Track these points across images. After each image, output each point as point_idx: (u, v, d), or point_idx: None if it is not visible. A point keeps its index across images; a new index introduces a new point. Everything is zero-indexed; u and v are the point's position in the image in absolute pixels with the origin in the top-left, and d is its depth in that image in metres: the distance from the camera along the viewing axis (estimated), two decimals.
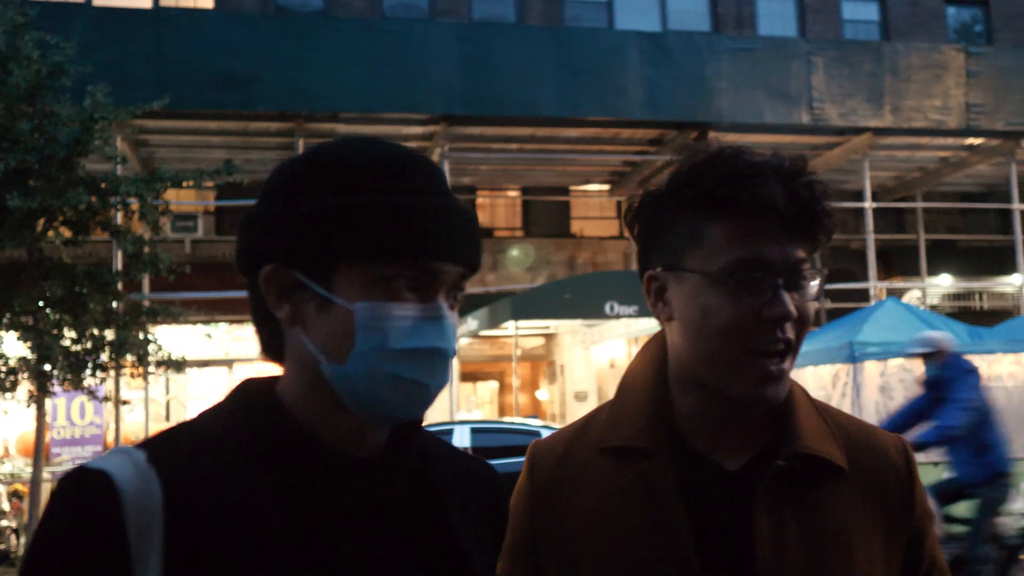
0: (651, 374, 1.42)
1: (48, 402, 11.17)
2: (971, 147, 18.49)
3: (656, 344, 1.46)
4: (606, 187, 19.95)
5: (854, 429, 1.40)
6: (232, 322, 17.11)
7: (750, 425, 1.35)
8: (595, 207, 21.24)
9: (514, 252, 14.10)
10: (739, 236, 1.27)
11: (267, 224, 1.16)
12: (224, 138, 16.31)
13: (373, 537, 1.17)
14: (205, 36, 14.79)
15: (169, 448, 1.13)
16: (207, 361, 17.34)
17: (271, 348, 1.22)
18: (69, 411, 14.48)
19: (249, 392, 1.21)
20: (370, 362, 1.13)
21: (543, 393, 20.93)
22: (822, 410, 1.41)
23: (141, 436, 14.61)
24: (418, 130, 16.43)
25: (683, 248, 1.31)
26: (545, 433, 10.73)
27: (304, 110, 15.24)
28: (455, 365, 16.28)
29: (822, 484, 1.32)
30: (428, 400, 1.17)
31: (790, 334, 1.28)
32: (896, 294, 19.04)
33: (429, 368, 1.16)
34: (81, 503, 1.05)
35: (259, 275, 1.17)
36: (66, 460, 14.22)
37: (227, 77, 14.59)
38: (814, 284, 1.31)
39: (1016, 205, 17.86)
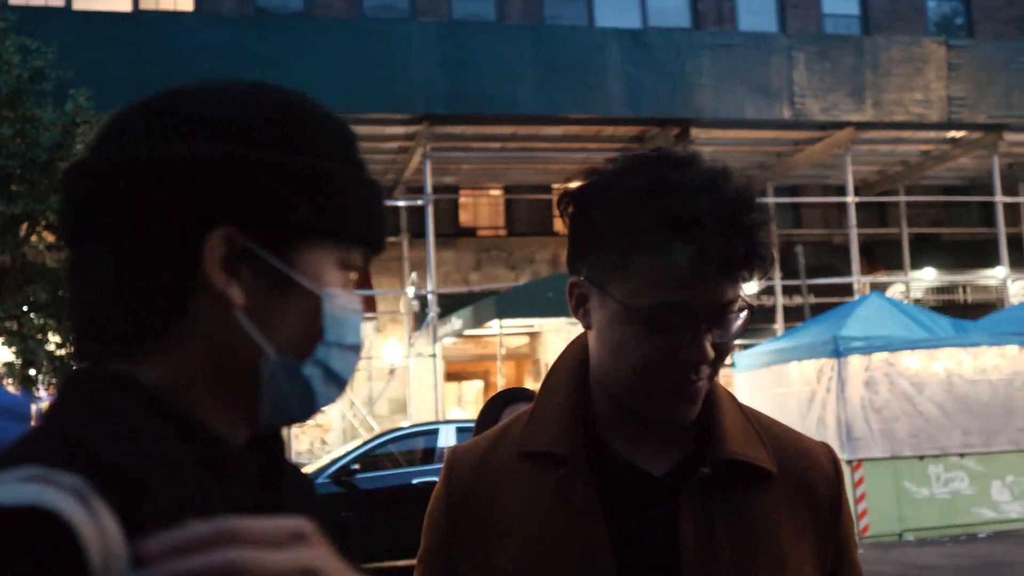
0: (572, 377, 1.38)
1: (33, 407, 11.08)
2: (953, 140, 18.54)
3: (578, 346, 1.41)
4: (588, 185, 19.90)
5: (782, 433, 1.38)
6: None
7: (674, 430, 1.32)
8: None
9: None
10: (666, 279, 1.21)
11: (209, 173, 0.92)
12: None
13: None
14: (185, 39, 14.73)
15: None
16: None
17: (136, 330, 0.93)
18: None
19: (113, 389, 0.92)
20: (326, 359, 0.98)
21: None
22: (748, 414, 1.38)
23: None
24: (399, 130, 16.39)
25: (610, 272, 1.25)
26: None
27: None
28: (440, 365, 16.25)
29: (749, 488, 1.30)
30: (334, 402, 1.04)
31: (704, 374, 1.25)
32: (880, 288, 19.07)
33: (354, 366, 1.04)
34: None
35: (197, 237, 0.92)
36: None
37: (208, 79, 14.46)
38: (739, 318, 1.27)
39: (998, 198, 17.93)
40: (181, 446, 0.90)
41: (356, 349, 1.02)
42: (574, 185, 1.35)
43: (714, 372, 1.28)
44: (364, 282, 18.56)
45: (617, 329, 1.25)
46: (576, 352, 1.40)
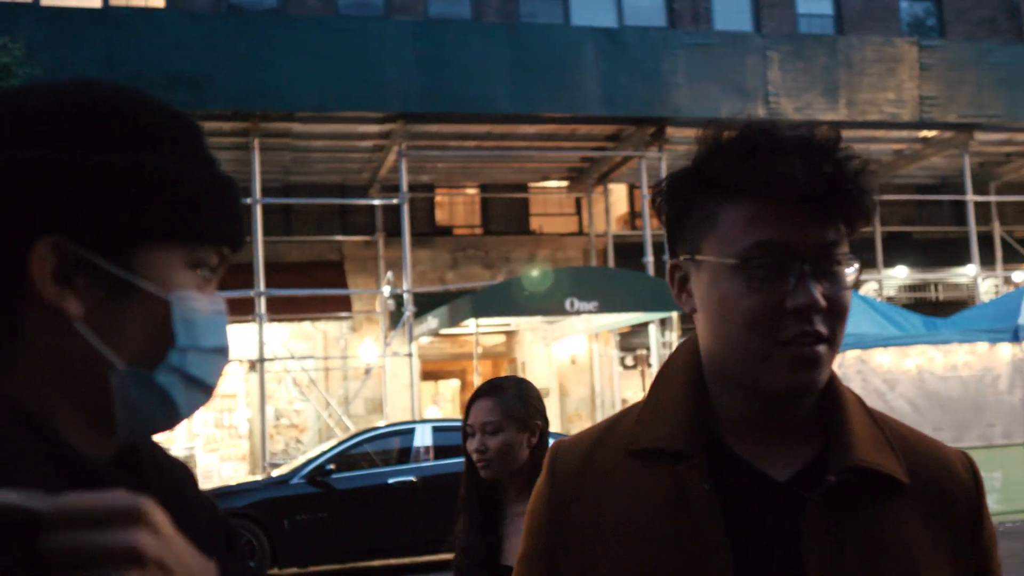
0: (687, 372, 1.29)
1: None
2: (925, 139, 18.69)
3: (690, 342, 1.33)
4: (564, 183, 19.94)
5: (916, 441, 1.28)
6: None
7: (798, 432, 1.23)
8: (554, 204, 21.23)
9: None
10: (757, 219, 1.16)
11: (28, 180, 0.87)
12: None
13: None
14: (156, 35, 14.59)
15: None
16: None
17: None
18: None
19: None
20: (181, 365, 0.93)
21: None
22: (879, 419, 1.28)
23: None
24: (374, 128, 16.32)
25: (701, 234, 1.21)
26: None
27: (259, 109, 15.09)
28: (416, 364, 16.21)
29: (879, 500, 1.20)
30: (203, 406, 0.99)
31: (820, 327, 1.16)
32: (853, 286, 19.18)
33: (220, 369, 0.98)
34: None
35: (22, 249, 0.87)
36: None
37: (179, 77, 14.39)
38: (850, 271, 1.19)
39: (970, 197, 18.08)
40: (36, 455, 0.86)
41: (220, 351, 0.97)
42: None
43: (832, 334, 1.17)
44: (339, 281, 18.51)
45: (716, 290, 1.19)
46: (688, 346, 1.33)
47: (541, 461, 2.57)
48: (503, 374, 20.90)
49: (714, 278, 1.19)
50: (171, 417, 0.95)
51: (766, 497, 1.20)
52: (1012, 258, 21.72)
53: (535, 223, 20.85)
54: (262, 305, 15.19)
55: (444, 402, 20.44)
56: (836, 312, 1.17)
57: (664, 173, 16.79)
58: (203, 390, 0.97)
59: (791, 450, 1.22)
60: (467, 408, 2.93)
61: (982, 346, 13.34)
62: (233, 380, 19.30)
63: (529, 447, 2.83)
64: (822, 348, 1.16)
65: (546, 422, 2.92)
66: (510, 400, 2.85)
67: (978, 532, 1.25)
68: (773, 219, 1.15)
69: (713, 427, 1.25)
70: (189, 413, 0.97)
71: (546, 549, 1.30)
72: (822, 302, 1.14)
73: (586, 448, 1.32)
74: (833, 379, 1.26)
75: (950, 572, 1.20)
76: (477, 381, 16.05)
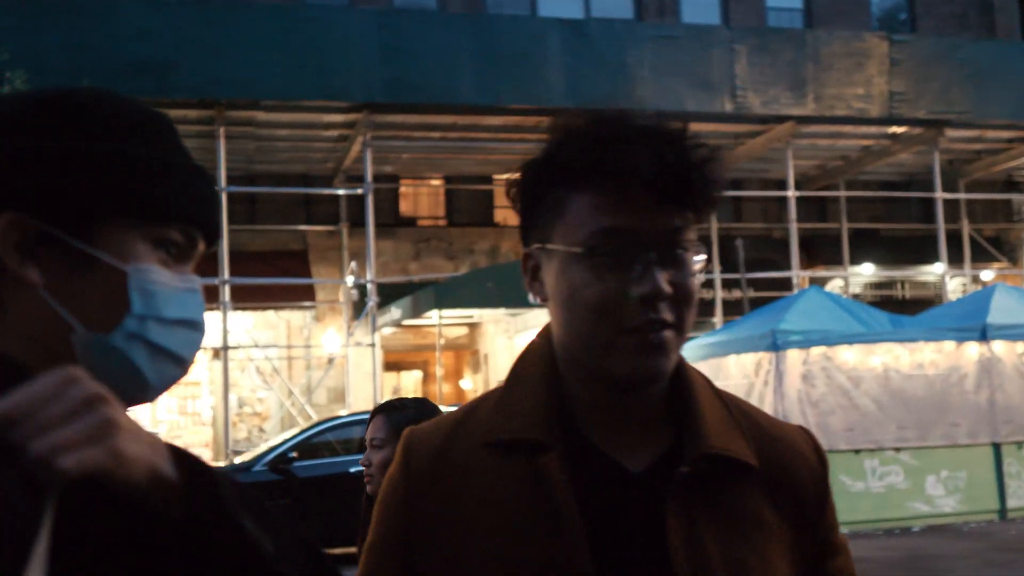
0: (542, 362, 1.29)
1: None
2: (893, 136, 18.69)
3: (546, 332, 1.33)
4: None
5: (763, 422, 1.32)
6: None
7: (650, 419, 1.25)
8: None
9: None
10: (602, 206, 1.17)
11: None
12: None
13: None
14: (121, 23, 14.50)
15: None
16: None
17: None
18: None
19: None
20: (140, 331, 1.01)
21: (467, 383, 20.85)
22: (728, 401, 1.30)
23: None
24: (339, 118, 16.21)
25: (550, 223, 1.21)
26: None
27: (223, 97, 14.97)
28: (379, 355, 16.10)
29: (732, 484, 1.23)
30: (178, 379, 1.08)
31: (666, 314, 1.17)
32: (819, 283, 19.21)
33: (191, 343, 1.06)
34: None
35: None
36: None
37: (144, 64, 14.29)
38: (698, 259, 1.20)
39: (938, 194, 18.10)
40: None
41: (188, 324, 1.05)
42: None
43: (680, 320, 1.18)
44: (303, 270, 18.38)
45: (564, 279, 1.20)
46: (544, 337, 1.32)
47: None
48: (465, 366, 20.90)
49: (562, 267, 1.20)
50: (140, 386, 1.03)
51: (623, 488, 1.21)
52: (980, 256, 21.77)
53: (499, 215, 20.73)
54: (226, 293, 15.10)
55: (406, 393, 20.33)
56: (683, 298, 1.18)
57: None
58: (173, 361, 1.04)
59: (646, 438, 1.24)
60: (368, 423, 3.01)
61: (949, 345, 13.35)
62: (197, 368, 19.06)
63: None
64: (668, 334, 1.17)
65: None
66: (402, 420, 2.85)
67: (823, 507, 1.30)
68: (618, 207, 1.16)
69: (568, 417, 1.25)
70: (162, 384, 1.05)
71: (399, 541, 1.27)
72: (667, 289, 1.16)
73: (441, 439, 1.30)
74: (683, 365, 1.28)
75: (797, 546, 1.25)
76: (440, 373, 16.00)
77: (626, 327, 1.16)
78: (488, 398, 1.33)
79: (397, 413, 2.93)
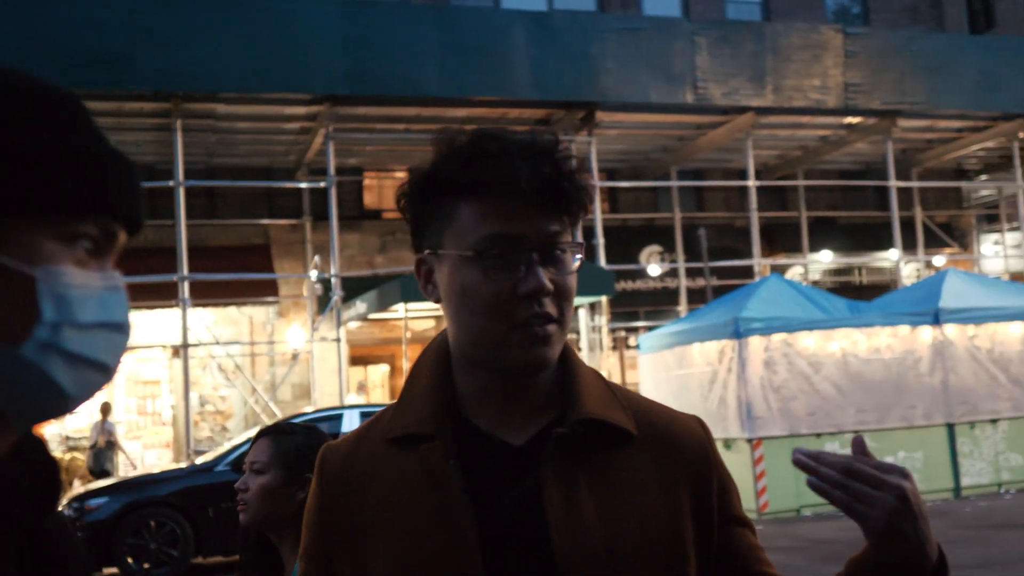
0: (436, 361, 1.41)
1: None
2: (850, 126, 18.98)
3: (440, 335, 1.45)
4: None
5: (649, 403, 1.43)
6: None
7: (534, 401, 1.36)
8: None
9: None
10: (487, 213, 1.28)
11: None
12: (97, 119, 15.52)
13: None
14: (74, 13, 14.12)
15: None
16: None
17: None
18: None
19: None
20: (54, 340, 0.90)
21: None
22: (613, 387, 1.42)
23: None
24: (301, 110, 16.09)
25: (441, 230, 1.32)
26: None
27: (180, 90, 14.75)
28: (344, 349, 16.05)
29: (611, 449, 1.34)
30: (102, 387, 0.97)
31: (550, 308, 1.30)
32: (779, 270, 19.48)
33: (115, 348, 0.96)
34: None
35: None
36: None
37: (98, 56, 13.99)
38: (575, 259, 1.33)
39: (893, 183, 18.41)
40: None
41: (110, 327, 0.95)
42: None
43: (562, 314, 1.31)
44: (265, 265, 18.26)
45: (456, 280, 1.30)
46: (437, 340, 1.44)
47: None
48: None
49: (454, 269, 1.31)
50: (59, 399, 0.92)
51: (505, 461, 1.32)
52: (933, 243, 22.21)
53: None
54: (185, 290, 14.90)
55: (373, 387, 20.30)
56: (563, 294, 1.31)
57: (594, 157, 17.07)
58: (95, 368, 0.93)
59: (531, 420, 1.34)
60: (252, 444, 2.77)
61: (904, 329, 13.61)
62: (156, 366, 18.95)
63: (296, 502, 2.62)
64: (552, 327, 1.30)
65: None
66: (288, 446, 2.69)
67: (713, 472, 1.38)
68: (502, 214, 1.28)
69: (459, 409, 1.36)
70: (84, 394, 0.94)
71: (320, 547, 1.38)
72: (549, 286, 1.28)
73: (351, 445, 1.41)
74: (569, 355, 1.39)
75: (685, 508, 1.34)
76: (406, 366, 15.97)
77: (515, 322, 1.28)
78: (393, 404, 1.44)
79: (284, 438, 2.70)
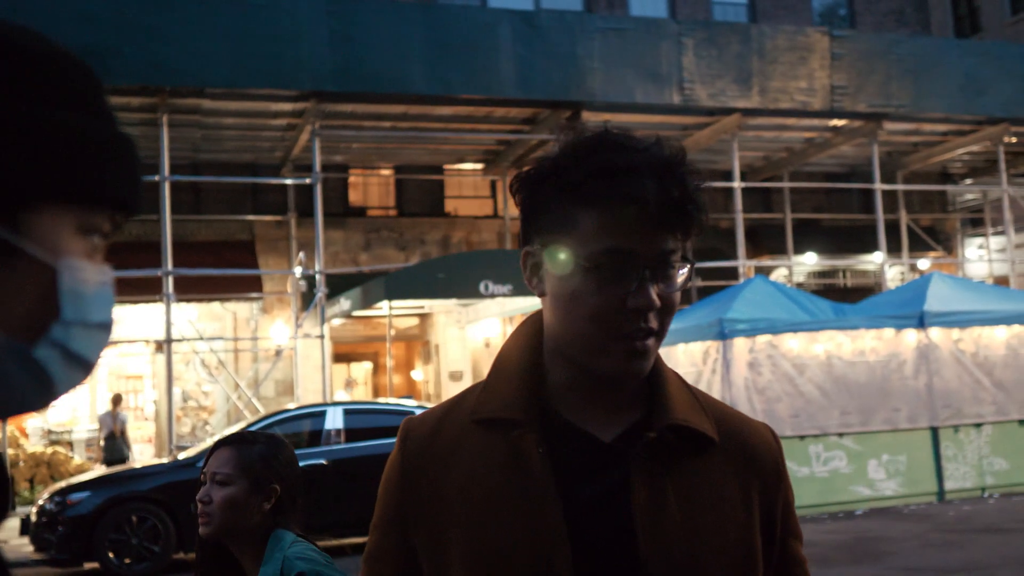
0: (526, 348, 1.43)
1: None
2: (835, 128, 19.02)
3: (533, 319, 1.48)
4: (480, 166, 19.87)
5: (726, 410, 1.46)
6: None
7: (621, 399, 1.39)
8: (469, 186, 21.13)
9: None
10: (609, 226, 1.29)
11: None
12: None
13: None
14: (61, 6, 14.04)
15: None
16: None
17: None
18: None
19: None
20: (64, 340, 0.86)
21: (418, 373, 20.81)
22: (694, 391, 1.45)
23: None
24: (287, 107, 16.04)
25: (558, 231, 1.33)
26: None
27: (167, 84, 14.68)
28: (328, 346, 16.02)
29: (695, 454, 1.37)
30: (82, 383, 0.92)
31: (653, 323, 1.32)
32: (764, 272, 19.52)
33: (102, 347, 0.92)
34: None
35: None
36: None
37: (85, 49, 13.84)
38: (682, 272, 1.35)
39: (877, 185, 18.46)
40: None
41: (104, 327, 0.90)
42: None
43: (662, 328, 1.33)
44: (249, 261, 18.20)
45: (567, 285, 1.32)
46: (531, 325, 1.46)
47: (274, 530, 2.44)
48: (416, 357, 20.87)
49: (568, 273, 1.32)
50: (44, 395, 0.87)
51: (594, 455, 1.34)
52: (917, 246, 22.31)
53: (450, 205, 20.74)
54: (170, 285, 14.83)
55: (358, 385, 20.24)
56: (667, 309, 1.33)
57: None
58: (83, 367, 0.89)
59: (617, 417, 1.38)
60: (208, 454, 2.68)
61: (888, 332, 13.61)
62: (139, 361, 18.89)
63: (261, 513, 2.59)
64: (651, 341, 1.32)
65: (289, 489, 2.66)
66: (252, 455, 2.63)
67: (780, 481, 1.43)
68: (623, 229, 1.29)
69: (548, 398, 1.38)
70: (66, 391, 0.89)
71: (397, 518, 1.40)
72: (658, 303, 1.30)
73: (435, 421, 1.43)
74: (657, 360, 1.42)
75: (758, 517, 1.38)
76: (390, 364, 15.95)
77: (619, 333, 1.30)
78: (482, 382, 1.46)
79: (248, 448, 2.64)
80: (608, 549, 1.30)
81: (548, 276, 1.36)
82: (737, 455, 1.40)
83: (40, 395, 0.87)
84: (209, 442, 11.96)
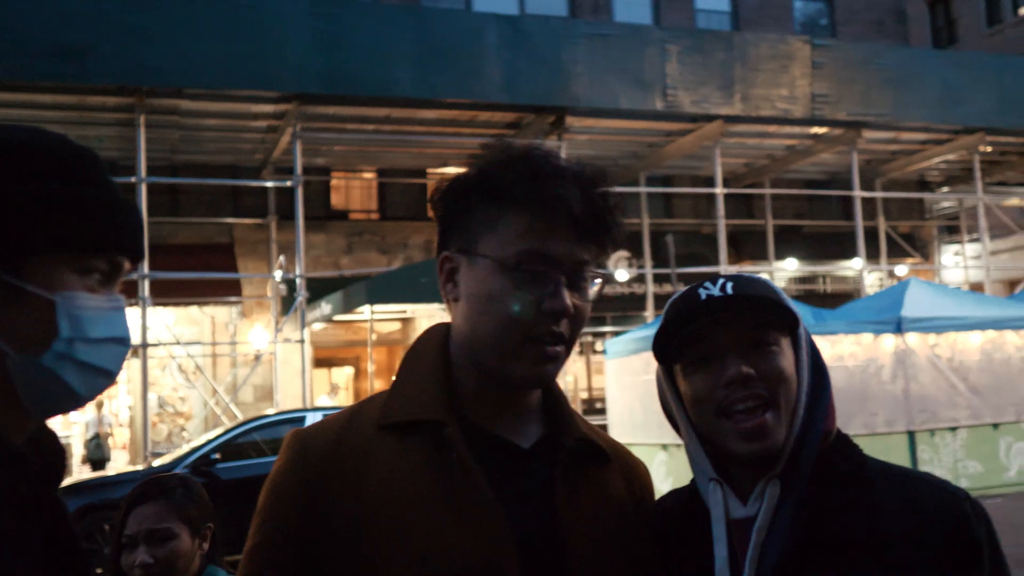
0: (436, 357, 1.45)
1: None
2: (816, 136, 19.13)
3: (439, 328, 1.51)
4: (464, 170, 19.78)
5: (605, 435, 1.57)
6: None
7: (526, 408, 1.45)
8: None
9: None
10: (532, 230, 1.34)
11: None
12: (58, 112, 15.43)
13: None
14: (39, 3, 13.85)
15: None
16: None
17: None
18: None
19: None
20: (69, 352, 1.13)
21: None
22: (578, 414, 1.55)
23: None
24: (269, 108, 15.89)
25: (479, 234, 1.37)
26: None
27: (145, 84, 14.50)
28: (308, 351, 15.91)
29: (596, 465, 1.46)
30: (106, 388, 1.20)
31: (564, 329, 1.37)
32: None
33: (117, 356, 1.18)
34: None
35: None
36: None
37: (62, 47, 13.73)
38: (594, 286, 1.40)
39: (857, 192, 18.58)
40: None
41: (114, 340, 1.17)
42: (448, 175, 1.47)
43: (572, 336, 1.38)
44: (229, 265, 18.05)
45: (486, 284, 1.36)
46: (438, 333, 1.49)
47: (206, 568, 2.44)
48: (398, 362, 20.73)
49: (486, 273, 1.36)
50: (71, 397, 1.15)
51: (516, 460, 1.40)
52: (896, 252, 22.48)
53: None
54: (146, 288, 14.65)
55: (341, 389, 20.13)
56: (578, 319, 1.39)
57: None
58: (101, 374, 1.16)
59: (524, 425, 1.44)
60: (123, 515, 2.49)
61: (867, 337, 13.69)
62: None
63: (201, 555, 2.50)
64: (561, 348, 1.38)
65: (216, 524, 2.59)
66: (182, 501, 2.50)
67: (652, 494, 1.57)
68: (545, 234, 1.34)
69: (457, 404, 1.41)
70: (91, 394, 1.17)
71: (299, 532, 1.35)
72: (571, 309, 1.36)
73: (337, 430, 1.41)
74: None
75: (639, 525, 1.48)
76: (372, 369, 15.85)
77: (531, 336, 1.35)
78: (381, 393, 1.48)
79: (172, 495, 2.51)
80: (541, 549, 1.34)
81: (464, 280, 1.39)
82: (623, 471, 1.51)
83: (66, 397, 1.15)
84: (185, 448, 11.79)
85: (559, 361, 1.39)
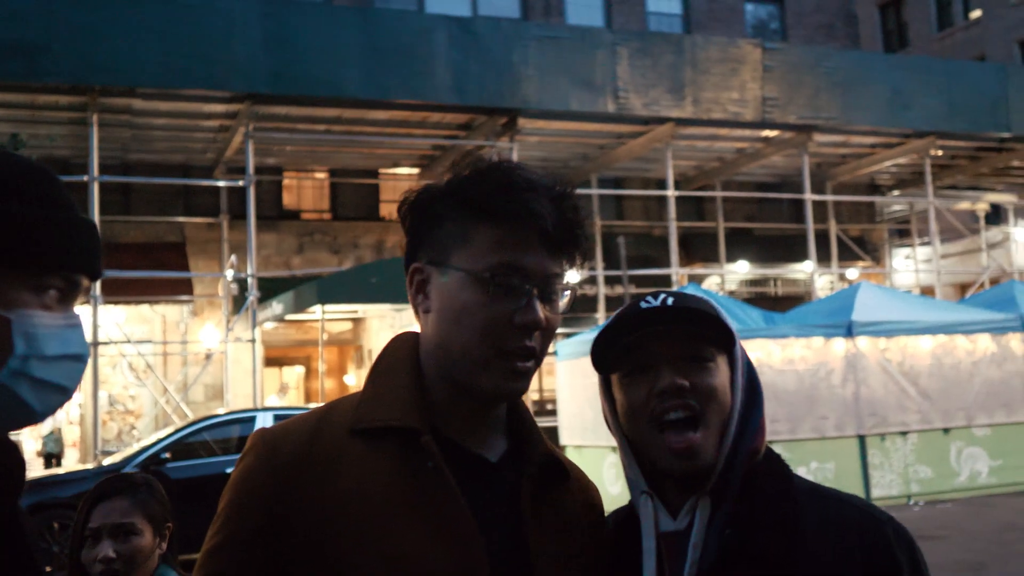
0: (408, 363, 1.45)
1: None
2: (766, 139, 19.31)
3: (409, 337, 1.50)
4: (416, 171, 19.80)
5: (560, 454, 1.56)
6: None
7: (493, 421, 1.45)
8: (404, 190, 20.96)
9: None
10: (504, 242, 1.35)
11: None
12: (9, 111, 15.29)
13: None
14: None
15: None
16: None
17: None
18: None
19: None
20: (24, 369, 1.13)
21: (351, 378, 20.68)
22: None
23: None
24: (220, 108, 15.84)
25: (451, 246, 1.37)
26: None
27: (98, 83, 14.41)
28: (259, 350, 15.85)
29: (560, 483, 1.48)
30: (63, 404, 1.20)
31: (535, 343, 1.37)
32: (696, 280, 19.75)
33: (74, 374, 1.18)
34: None
35: None
36: None
37: (12, 46, 13.61)
38: (564, 298, 1.41)
39: (807, 195, 18.76)
40: None
41: (71, 357, 1.18)
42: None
43: (542, 350, 1.39)
44: (180, 263, 17.94)
45: (459, 297, 1.36)
46: (407, 342, 1.48)
47: (158, 568, 2.46)
48: (349, 362, 20.72)
49: (458, 285, 1.36)
50: (27, 414, 1.16)
51: (486, 473, 1.41)
52: (846, 255, 22.73)
53: (385, 209, 20.65)
54: (97, 286, 14.53)
55: (291, 388, 20.07)
56: (549, 332, 1.39)
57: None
58: (57, 391, 1.17)
59: (491, 438, 1.45)
60: (86, 509, 2.48)
61: (817, 341, 13.73)
62: None
63: (159, 554, 2.49)
64: (531, 363, 1.39)
65: (175, 525, 2.59)
66: (146, 499, 2.50)
67: (603, 514, 1.59)
68: (518, 246, 1.35)
69: (427, 413, 1.41)
70: (48, 410, 1.18)
71: (266, 532, 1.33)
72: (543, 322, 1.36)
73: (308, 431, 1.39)
74: None
75: (597, 543, 1.50)
76: (323, 368, 15.82)
77: (503, 349, 1.35)
78: (348, 398, 1.46)
79: (137, 491, 2.50)
80: (509, 562, 1.35)
81: (435, 292, 1.39)
82: (582, 490, 1.53)
83: (23, 413, 1.15)
84: (136, 447, 11.72)
85: (528, 376, 1.40)
